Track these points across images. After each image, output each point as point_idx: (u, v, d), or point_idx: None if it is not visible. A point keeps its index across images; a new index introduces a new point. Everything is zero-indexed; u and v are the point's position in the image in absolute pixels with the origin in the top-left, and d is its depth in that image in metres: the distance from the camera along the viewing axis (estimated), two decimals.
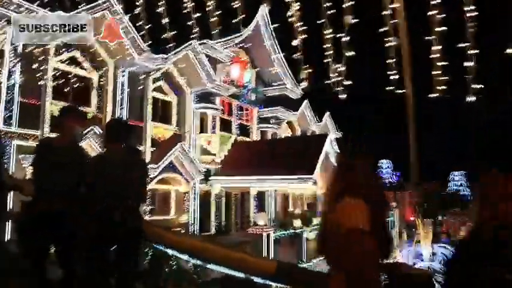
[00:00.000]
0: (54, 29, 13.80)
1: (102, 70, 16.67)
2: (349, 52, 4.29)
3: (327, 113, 30.35)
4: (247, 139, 24.73)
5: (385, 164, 39.57)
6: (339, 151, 2.72)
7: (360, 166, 2.30)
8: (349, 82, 4.49)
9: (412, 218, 31.35)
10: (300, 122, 28.61)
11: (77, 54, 15.81)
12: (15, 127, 13.50)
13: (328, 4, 4.28)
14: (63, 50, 15.25)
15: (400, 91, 4.25)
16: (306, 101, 27.96)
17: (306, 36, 4.34)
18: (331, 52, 4.45)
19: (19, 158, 13.31)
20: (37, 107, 14.36)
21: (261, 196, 22.77)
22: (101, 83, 16.71)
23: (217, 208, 21.51)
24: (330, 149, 22.17)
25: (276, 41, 24.95)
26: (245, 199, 23.16)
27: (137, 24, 15.52)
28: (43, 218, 3.35)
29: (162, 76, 19.12)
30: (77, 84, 15.97)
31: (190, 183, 19.33)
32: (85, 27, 13.46)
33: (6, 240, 4.67)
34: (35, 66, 13.55)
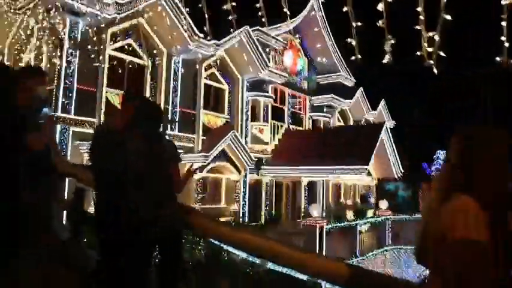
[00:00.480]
0: (109, 17, 13.94)
1: (156, 57, 16.75)
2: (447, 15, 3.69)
3: (382, 101, 29.27)
4: (299, 128, 24.27)
5: (442, 155, 37.76)
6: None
7: (496, 146, 1.69)
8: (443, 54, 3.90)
9: None
10: (353, 111, 27.77)
11: (131, 41, 15.94)
12: (72, 114, 13.80)
13: None
14: (119, 37, 15.41)
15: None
16: (360, 89, 27.05)
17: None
18: (422, 17, 3.88)
19: (76, 144, 13.63)
20: (93, 94, 14.62)
21: (312, 186, 22.32)
22: (155, 70, 16.80)
23: (268, 198, 21.28)
24: (386, 138, 21.34)
25: (329, 28, 24.21)
26: (296, 189, 22.79)
27: (189, 11, 15.43)
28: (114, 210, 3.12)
29: (215, 63, 19.01)
30: (132, 72, 16.13)
31: (241, 172, 19.18)
32: (140, 14, 13.47)
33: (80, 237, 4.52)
34: (91, 54, 13.74)
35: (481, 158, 1.68)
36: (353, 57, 4.28)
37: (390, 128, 23.17)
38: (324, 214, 19.61)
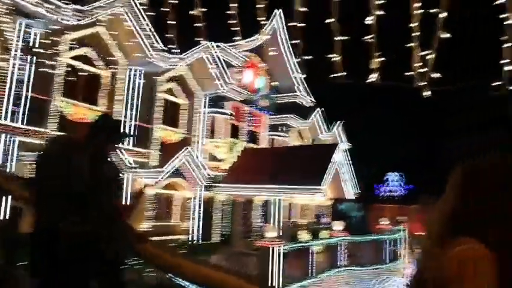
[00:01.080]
0: (68, 22, 13.36)
1: (114, 68, 16.22)
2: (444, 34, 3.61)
3: (339, 123, 29.81)
4: (257, 146, 24.21)
5: (394, 177, 38.87)
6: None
7: (498, 177, 1.51)
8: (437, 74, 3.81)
9: (419, 233, 30.61)
10: (310, 131, 28.09)
11: (89, 51, 15.36)
12: (20, 123, 13.01)
13: None
14: (76, 45, 14.81)
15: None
16: (318, 110, 27.45)
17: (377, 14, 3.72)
18: (417, 33, 3.78)
19: (22, 155, 12.82)
20: (46, 102, 13.89)
21: (266, 205, 22.22)
22: (113, 81, 16.26)
23: (221, 216, 20.94)
24: (341, 159, 21.67)
25: (291, 49, 24.50)
26: (250, 208, 22.59)
27: (150, 24, 15.09)
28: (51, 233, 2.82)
29: (175, 77, 18.67)
30: (88, 82, 15.52)
31: (195, 189, 18.80)
32: (100, 23, 13.02)
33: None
34: (46, 60, 13.09)
35: (489, 197, 1.48)
36: (313, 78, 4.19)
37: (346, 149, 23.56)
38: (280, 235, 19.49)
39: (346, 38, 4.07)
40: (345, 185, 22.28)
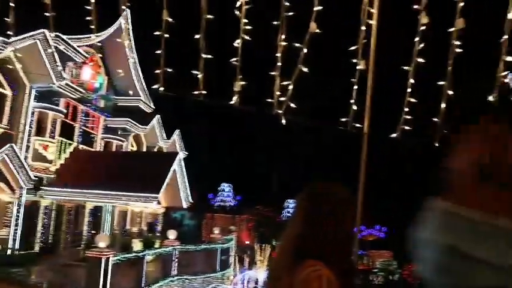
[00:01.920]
0: None
1: None
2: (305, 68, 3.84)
3: (177, 131, 29.73)
4: (90, 149, 22.60)
5: (226, 187, 40.31)
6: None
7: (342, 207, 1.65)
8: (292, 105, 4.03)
9: (247, 242, 32.40)
10: (148, 137, 27.41)
11: None
12: None
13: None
14: None
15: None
16: (157, 116, 26.98)
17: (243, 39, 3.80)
18: (280, 64, 3.94)
19: None
20: None
21: (97, 212, 20.86)
22: None
23: (46, 223, 18.90)
24: (178, 168, 21.67)
25: (134, 50, 23.68)
26: (80, 214, 20.91)
27: None
28: None
29: None
30: None
31: (16, 192, 16.65)
32: None
33: None
34: None
35: (328, 221, 1.61)
36: (157, 86, 4.14)
37: (182, 158, 23.61)
38: (112, 244, 18.46)
39: (210, 56, 4.10)
40: (179, 193, 22.28)
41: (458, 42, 3.64)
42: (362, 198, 3.16)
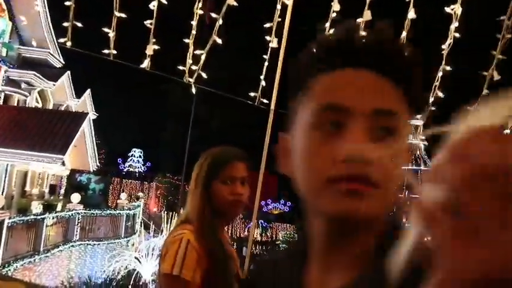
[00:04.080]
0: None
1: None
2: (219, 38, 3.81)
3: (88, 91, 28.16)
4: None
5: (137, 153, 39.24)
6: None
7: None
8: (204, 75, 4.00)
9: (155, 209, 31.98)
10: (55, 94, 25.65)
11: None
12: None
13: None
14: None
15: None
16: (67, 73, 25.28)
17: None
18: (194, 32, 3.88)
19: None
20: None
21: None
22: None
23: None
24: (87, 129, 20.72)
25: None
26: None
27: None
28: None
29: None
30: None
31: None
32: None
33: None
34: None
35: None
36: (64, 40, 3.95)
37: (92, 119, 22.55)
38: (5, 204, 17.26)
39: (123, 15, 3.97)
40: (86, 156, 21.36)
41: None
42: (263, 174, 3.26)
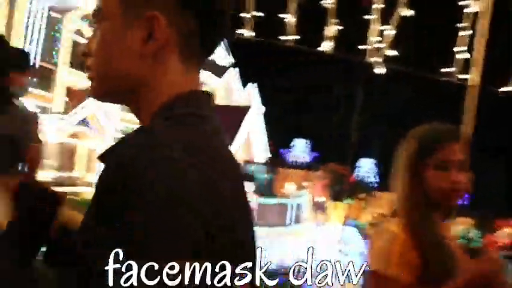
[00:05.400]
0: None
1: None
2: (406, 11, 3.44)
3: (253, 84, 29.41)
4: None
5: (299, 143, 39.99)
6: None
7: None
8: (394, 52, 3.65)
9: (320, 199, 31.88)
10: (223, 90, 27.48)
11: None
12: None
13: None
14: None
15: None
16: (235, 69, 26.86)
17: None
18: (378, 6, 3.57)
19: None
20: None
21: None
22: (10, 11, 14.27)
23: None
24: (254, 122, 21.71)
25: None
26: None
27: None
28: None
29: (86, 16, 16.89)
30: None
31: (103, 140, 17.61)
32: None
33: None
34: None
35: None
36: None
37: (259, 113, 23.53)
38: None
39: None
40: (255, 147, 22.42)
41: None
42: None
